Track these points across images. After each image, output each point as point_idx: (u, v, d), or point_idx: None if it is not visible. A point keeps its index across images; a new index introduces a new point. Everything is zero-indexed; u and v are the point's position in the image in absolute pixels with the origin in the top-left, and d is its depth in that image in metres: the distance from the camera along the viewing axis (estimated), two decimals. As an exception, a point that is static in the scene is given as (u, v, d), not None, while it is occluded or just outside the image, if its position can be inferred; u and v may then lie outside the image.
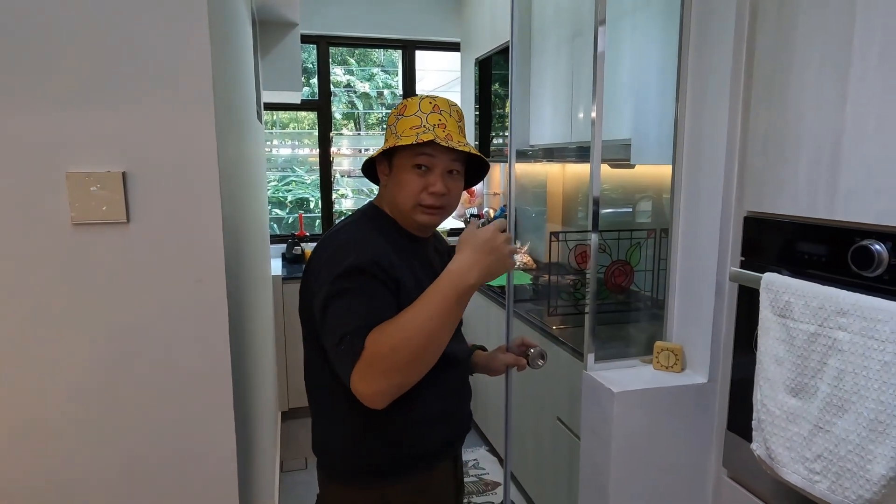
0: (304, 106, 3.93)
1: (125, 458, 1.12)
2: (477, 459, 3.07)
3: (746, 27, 1.33)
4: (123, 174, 1.05)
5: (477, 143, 3.60)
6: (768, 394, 1.18)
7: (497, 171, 4.19)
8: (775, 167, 1.25)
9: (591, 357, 1.52)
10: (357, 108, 4.44)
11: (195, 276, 1.11)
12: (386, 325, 0.99)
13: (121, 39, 1.02)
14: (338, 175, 4.23)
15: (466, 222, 4.15)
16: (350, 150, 4.29)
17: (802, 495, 1.13)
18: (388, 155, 1.16)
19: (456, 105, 1.17)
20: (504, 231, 1.07)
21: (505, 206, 4.01)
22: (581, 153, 2.51)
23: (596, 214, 1.48)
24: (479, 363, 1.40)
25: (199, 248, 1.10)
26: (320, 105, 3.93)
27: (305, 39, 3.77)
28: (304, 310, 1.15)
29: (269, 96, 3.41)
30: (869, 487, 0.98)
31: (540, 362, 1.35)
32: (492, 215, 4.03)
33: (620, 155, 2.15)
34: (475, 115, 3.62)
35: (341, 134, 4.29)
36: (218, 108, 1.13)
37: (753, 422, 1.22)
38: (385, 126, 1.18)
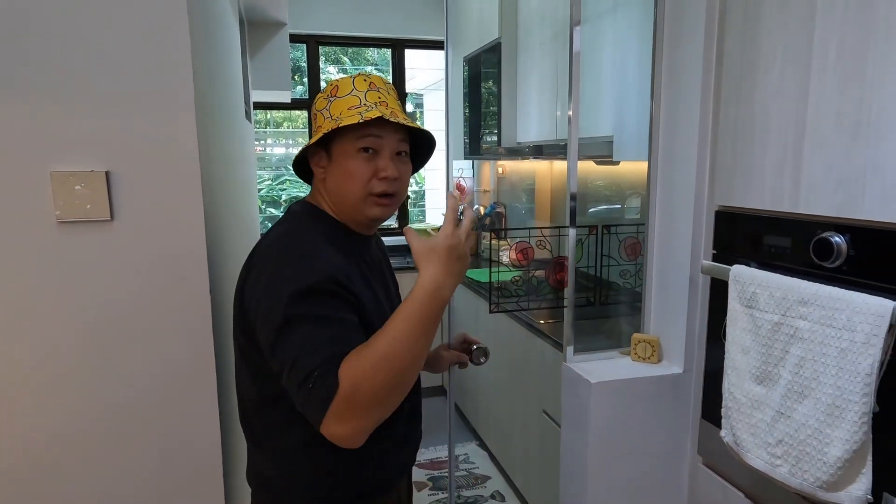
0: (295, 105, 3.96)
1: (111, 449, 1.16)
2: (467, 454, 3.11)
3: (716, 27, 1.36)
4: (107, 173, 1.08)
5: (466, 140, 3.63)
6: (735, 382, 1.22)
7: (487, 168, 4.22)
8: (743, 163, 1.29)
9: (570, 349, 1.56)
10: None
11: (178, 272, 1.14)
12: (359, 356, 0.85)
13: (103, 41, 1.05)
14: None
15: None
16: None
17: (770, 480, 1.16)
18: (324, 144, 1.01)
19: (390, 83, 1.07)
20: (459, 224, 0.96)
21: (496, 203, 4.04)
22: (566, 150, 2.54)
23: (573, 210, 1.52)
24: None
25: (182, 246, 1.14)
26: (310, 104, 3.95)
27: (295, 39, 3.79)
28: (238, 327, 1.01)
29: (259, 95, 3.44)
30: (826, 470, 1.02)
31: (482, 359, 1.36)
32: (482, 212, 4.06)
33: (603, 151, 2.19)
34: (464, 113, 3.65)
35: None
36: (200, 108, 1.16)
37: (722, 409, 1.26)
38: (311, 114, 1.05)
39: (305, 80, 4.00)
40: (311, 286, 0.90)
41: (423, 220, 4.60)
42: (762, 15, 1.22)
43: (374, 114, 0.96)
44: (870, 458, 0.98)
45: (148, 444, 1.17)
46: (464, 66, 3.57)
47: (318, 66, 3.96)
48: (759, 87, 1.24)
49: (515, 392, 2.60)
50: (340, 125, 0.96)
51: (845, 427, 0.99)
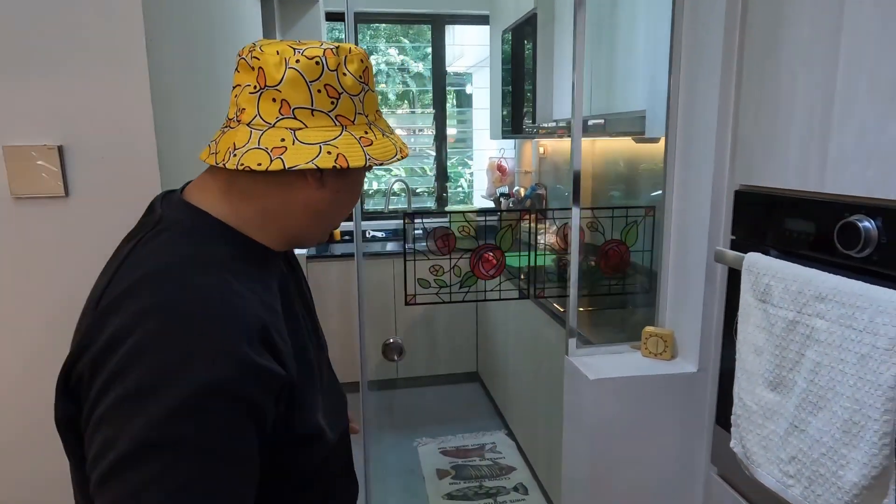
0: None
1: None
2: (494, 443, 3.02)
3: (741, -22, 1.18)
4: (60, 147, 1.04)
5: (508, 118, 3.49)
6: (745, 387, 1.06)
7: (529, 148, 4.05)
8: (767, 134, 1.11)
9: (572, 342, 1.43)
10: (410, 88, 4.41)
11: (137, 251, 1.09)
12: None
13: (53, 13, 1.01)
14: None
15: (496, 202, 4.05)
16: (404, 129, 4.29)
17: (772, 494, 1.01)
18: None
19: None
20: None
21: (536, 184, 3.88)
22: (601, 127, 2.39)
23: (577, 189, 1.38)
24: None
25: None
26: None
27: (333, 17, 3.73)
28: (63, 411, 0.65)
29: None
30: (840, 496, 0.86)
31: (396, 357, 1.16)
32: (522, 194, 3.91)
33: (636, 127, 2.03)
34: (504, 89, 3.50)
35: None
36: (162, 81, 1.10)
37: (732, 416, 1.11)
38: (328, 86, 0.69)
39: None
40: (209, 386, 0.58)
41: (467, 202, 4.50)
42: (789, -41, 1.04)
43: (402, 152, 0.74)
44: (892, 486, 0.81)
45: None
46: (503, 40, 3.41)
47: (357, 44, 3.89)
48: (786, 47, 1.06)
49: (542, 383, 2.48)
50: (405, 154, 0.74)
51: (863, 448, 0.83)
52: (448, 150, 4.38)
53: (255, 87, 0.68)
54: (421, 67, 4.39)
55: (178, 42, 1.30)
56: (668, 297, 1.44)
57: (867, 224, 0.89)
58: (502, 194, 4.04)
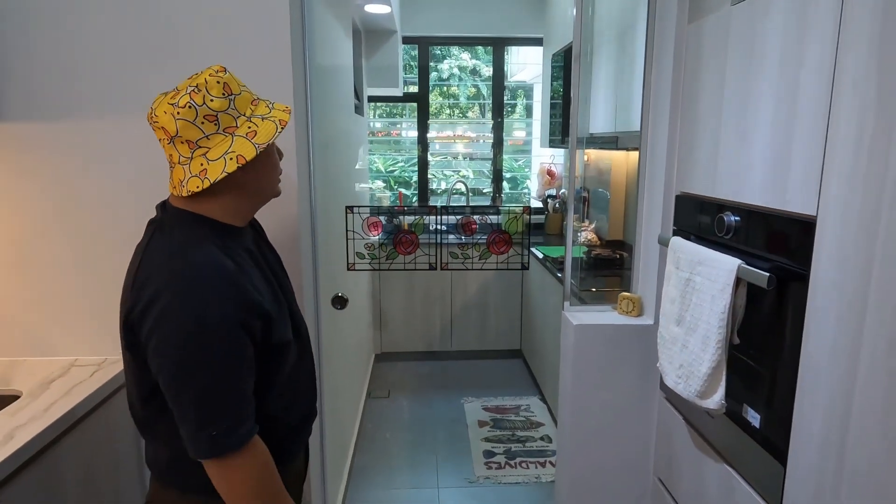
0: (406, 98, 4.58)
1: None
2: (529, 405, 3.58)
3: (684, 55, 1.71)
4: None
5: (554, 124, 4.01)
6: (664, 324, 1.60)
7: (577, 156, 4.56)
8: (690, 157, 1.64)
9: (567, 303, 1.98)
10: (482, 94, 5.00)
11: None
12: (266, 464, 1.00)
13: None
14: (460, 157, 4.90)
15: (544, 202, 4.58)
16: (476, 133, 4.93)
17: (693, 405, 1.53)
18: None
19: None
20: None
21: (581, 188, 4.38)
22: (616, 143, 2.90)
23: (573, 192, 1.94)
24: None
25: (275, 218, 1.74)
26: (419, 97, 4.56)
27: (408, 41, 4.40)
28: (127, 330, 0.99)
29: (374, 91, 4.09)
30: (699, 383, 1.39)
31: None
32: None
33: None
34: (553, 103, 4.03)
35: (436, 122, 4.89)
36: (300, 115, 1.75)
37: (658, 346, 1.65)
38: (205, 116, 0.96)
39: (433, 74, 4.58)
40: (220, 319, 0.94)
41: (527, 200, 5.04)
42: (701, 55, 1.57)
43: (288, 111, 1.04)
44: (724, 374, 1.35)
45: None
46: (553, 61, 3.94)
47: (428, 63, 4.54)
48: (701, 104, 1.58)
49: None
50: (284, 123, 1.01)
51: (710, 350, 1.36)
52: (512, 154, 4.97)
53: (167, 139, 0.99)
54: (491, 71, 4.96)
55: (318, 92, 1.96)
56: (639, 270, 1.97)
57: (731, 218, 1.42)
58: (549, 195, 4.57)
